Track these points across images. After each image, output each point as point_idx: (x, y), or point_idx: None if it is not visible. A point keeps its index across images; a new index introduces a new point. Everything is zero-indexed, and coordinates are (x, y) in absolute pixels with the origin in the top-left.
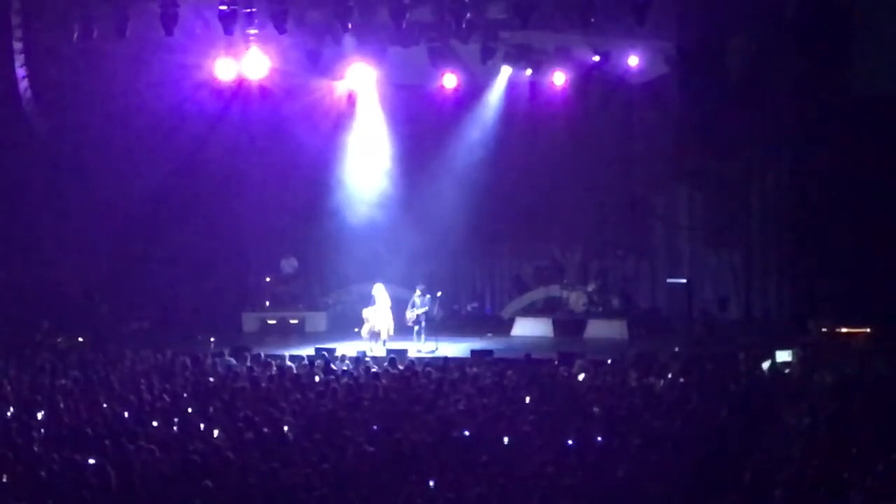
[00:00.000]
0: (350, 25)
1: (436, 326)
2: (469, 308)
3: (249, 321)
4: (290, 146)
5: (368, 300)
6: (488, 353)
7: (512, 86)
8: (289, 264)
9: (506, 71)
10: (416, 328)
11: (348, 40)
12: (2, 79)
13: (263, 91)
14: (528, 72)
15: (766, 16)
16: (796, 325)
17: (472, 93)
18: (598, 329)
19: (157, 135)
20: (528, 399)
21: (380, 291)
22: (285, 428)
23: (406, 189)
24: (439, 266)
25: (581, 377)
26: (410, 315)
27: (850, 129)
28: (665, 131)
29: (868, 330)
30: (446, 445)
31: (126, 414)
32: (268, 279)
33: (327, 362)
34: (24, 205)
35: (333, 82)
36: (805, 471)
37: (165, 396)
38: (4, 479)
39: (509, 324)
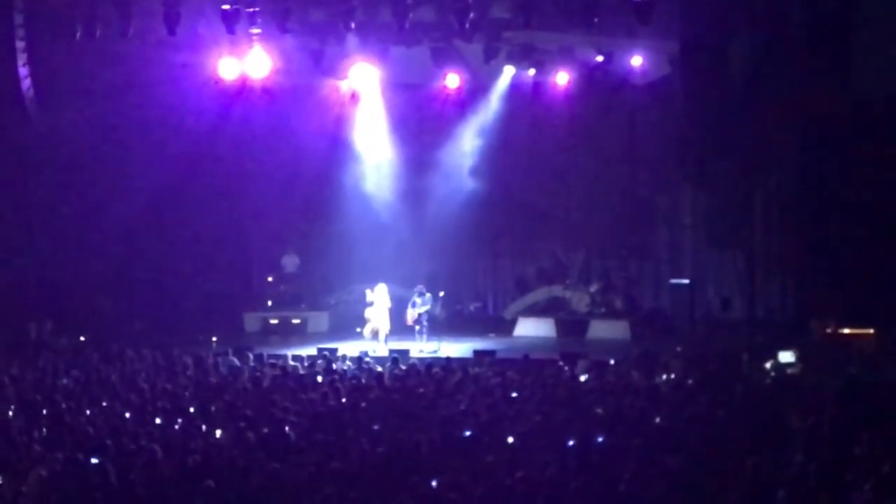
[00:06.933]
0: (353, 25)
1: (438, 326)
2: (472, 308)
3: (251, 321)
4: (292, 145)
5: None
6: (491, 353)
7: (515, 86)
8: (290, 262)
9: (509, 71)
10: (419, 328)
11: (351, 40)
12: (4, 77)
13: (266, 90)
14: (532, 72)
15: (768, 16)
16: (799, 326)
17: (474, 92)
18: (600, 329)
19: (160, 134)
20: (530, 400)
21: (381, 292)
22: (287, 428)
23: (408, 189)
24: (442, 266)
25: (584, 378)
26: (411, 315)
27: (853, 129)
28: (668, 131)
29: (871, 331)
30: (449, 446)
31: (128, 414)
32: (270, 279)
33: (329, 362)
34: (27, 204)
35: (336, 82)
36: (808, 471)
37: (167, 396)
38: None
39: (512, 324)
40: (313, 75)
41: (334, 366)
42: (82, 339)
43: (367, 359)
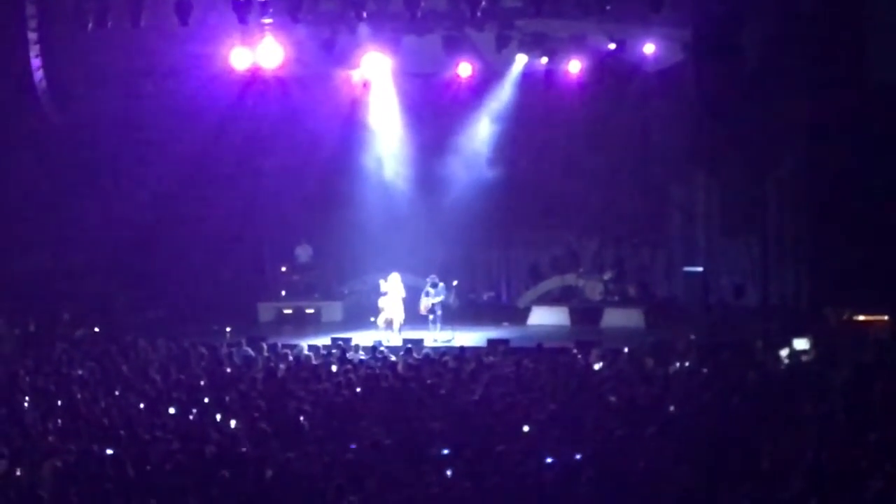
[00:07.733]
0: (364, 14)
1: (452, 315)
2: (485, 297)
3: (265, 311)
4: (304, 135)
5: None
6: (505, 342)
7: (527, 74)
8: (304, 252)
9: (521, 59)
10: (432, 317)
11: (363, 29)
12: (17, 70)
13: (278, 80)
14: (544, 60)
15: (781, 1)
16: (814, 313)
17: (487, 81)
18: (614, 318)
19: (172, 124)
20: (544, 388)
21: (395, 281)
22: (301, 418)
23: (421, 178)
24: (455, 255)
25: (598, 366)
26: (425, 304)
27: (867, 115)
28: (681, 119)
29: (886, 318)
30: (463, 435)
31: (142, 404)
32: (283, 269)
33: (343, 352)
34: (40, 195)
35: (348, 71)
36: (822, 459)
37: (181, 387)
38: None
39: (525, 313)
40: (325, 65)
41: (348, 355)
42: (96, 329)
43: (381, 348)
